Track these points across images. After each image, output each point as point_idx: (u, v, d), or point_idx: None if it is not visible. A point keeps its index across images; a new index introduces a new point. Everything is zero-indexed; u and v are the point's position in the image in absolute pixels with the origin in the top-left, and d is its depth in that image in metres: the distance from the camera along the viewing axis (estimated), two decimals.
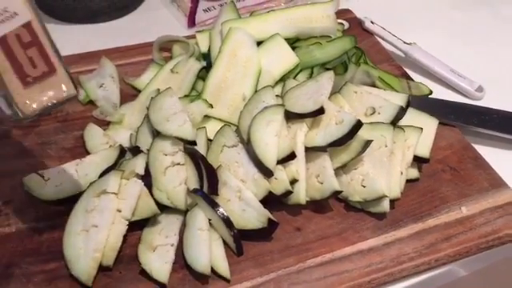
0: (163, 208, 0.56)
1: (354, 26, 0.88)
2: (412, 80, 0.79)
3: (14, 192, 0.58)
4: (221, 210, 0.55)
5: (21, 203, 0.58)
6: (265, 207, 0.57)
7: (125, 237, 0.54)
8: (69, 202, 0.56)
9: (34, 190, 0.57)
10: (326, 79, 0.64)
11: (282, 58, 0.70)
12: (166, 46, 0.79)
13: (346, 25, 0.87)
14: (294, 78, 0.71)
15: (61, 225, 0.55)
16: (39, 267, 0.53)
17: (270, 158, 0.58)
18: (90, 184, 0.56)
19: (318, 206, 0.60)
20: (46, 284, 0.51)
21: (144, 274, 0.52)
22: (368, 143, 0.59)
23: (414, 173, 0.64)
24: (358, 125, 0.58)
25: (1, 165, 0.61)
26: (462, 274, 0.59)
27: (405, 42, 0.85)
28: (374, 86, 0.73)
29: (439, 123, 0.68)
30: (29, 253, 0.54)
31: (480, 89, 0.80)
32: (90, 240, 0.52)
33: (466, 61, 0.84)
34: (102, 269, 0.52)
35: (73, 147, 0.64)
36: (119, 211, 0.54)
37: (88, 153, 0.63)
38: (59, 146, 0.64)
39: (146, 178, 0.57)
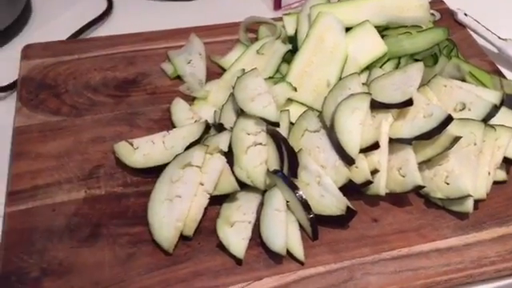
0: (243, 186, 0.58)
1: (446, 18, 0.85)
2: (505, 77, 0.75)
3: (105, 157, 0.62)
4: (300, 192, 0.55)
5: (111, 168, 0.61)
6: (342, 195, 0.57)
7: (205, 210, 0.56)
8: (155, 171, 0.58)
9: (123, 157, 0.60)
10: (416, 70, 0.62)
11: (370, 46, 0.69)
12: (252, 27, 0.80)
13: (438, 15, 0.84)
14: (381, 67, 0.69)
15: (147, 192, 0.57)
16: (125, 230, 0.56)
17: (352, 145, 0.57)
18: (176, 156, 0.58)
19: (396, 198, 0.59)
20: (130, 246, 0.54)
21: (221, 247, 0.54)
22: (457, 139, 0.57)
23: (501, 174, 0.61)
24: (449, 119, 0.56)
25: (94, 131, 0.65)
26: None
27: (499, 38, 0.81)
28: (463, 80, 0.70)
29: None
30: (116, 215, 0.57)
31: None
32: (173, 209, 0.55)
33: None
34: (183, 238, 0.55)
35: (160, 119, 0.67)
36: (202, 184, 0.56)
37: (173, 125, 0.65)
38: (147, 116, 0.67)
39: (229, 156, 0.58)
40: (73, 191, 0.58)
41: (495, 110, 0.60)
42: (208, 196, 0.56)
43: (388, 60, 0.70)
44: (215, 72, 0.73)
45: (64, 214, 0.56)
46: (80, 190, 0.59)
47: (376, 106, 0.60)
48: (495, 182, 0.61)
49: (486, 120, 0.60)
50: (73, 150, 0.63)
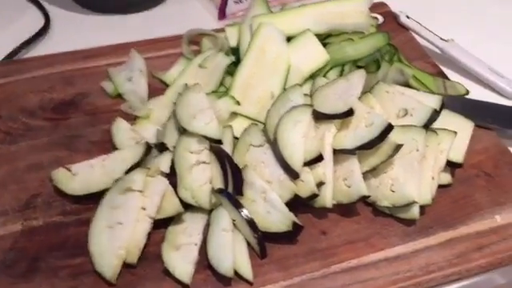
0: (188, 207, 0.56)
1: (389, 21, 0.85)
2: (448, 79, 0.76)
3: (43, 185, 0.59)
4: (245, 211, 0.54)
5: (49, 197, 0.58)
6: (290, 209, 0.56)
7: (149, 235, 0.54)
8: (96, 197, 0.56)
9: (61, 185, 0.58)
10: (357, 78, 0.62)
11: (312, 55, 0.69)
12: (195, 39, 0.78)
13: (381, 19, 0.85)
14: (324, 75, 0.69)
15: (87, 220, 0.55)
16: (65, 262, 0.53)
17: (296, 159, 0.56)
18: (116, 181, 0.56)
19: (344, 209, 0.59)
20: (71, 279, 0.52)
21: (167, 272, 0.52)
22: (399, 147, 0.57)
23: (446, 178, 0.62)
24: (389, 128, 0.56)
25: (30, 157, 0.62)
26: (499, 282, 0.57)
27: (441, 39, 0.82)
28: (407, 84, 0.71)
29: (475, 125, 0.65)
30: (55, 247, 0.54)
31: None
32: (114, 237, 0.53)
33: (506, 59, 0.80)
34: (126, 266, 0.53)
35: (100, 141, 0.64)
36: (144, 209, 0.54)
37: (115, 147, 0.63)
38: (87, 139, 0.65)
39: (172, 176, 0.57)
40: (8, 224, 0.56)
41: (436, 114, 0.61)
42: (151, 221, 0.54)
43: (332, 68, 0.70)
44: (159, 88, 0.71)
45: (0, 249, 0.54)
46: (16, 222, 0.56)
47: (319, 117, 0.60)
48: (441, 186, 0.61)
49: (427, 125, 0.60)
50: (8, 179, 0.60)
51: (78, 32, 0.84)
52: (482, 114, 0.69)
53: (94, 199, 0.56)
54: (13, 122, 0.66)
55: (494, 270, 0.56)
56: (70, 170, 0.59)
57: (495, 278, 0.56)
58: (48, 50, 0.79)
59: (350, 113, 0.57)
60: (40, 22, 0.85)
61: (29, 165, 0.61)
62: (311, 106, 0.60)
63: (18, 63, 0.76)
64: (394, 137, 0.57)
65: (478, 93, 0.75)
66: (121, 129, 0.64)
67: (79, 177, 0.58)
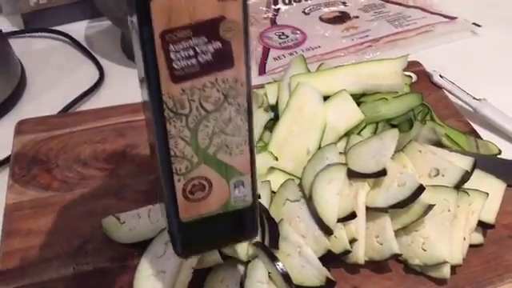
0: (225, 257, 0.59)
1: (422, 79, 0.88)
2: (480, 138, 0.78)
3: (93, 232, 0.64)
4: (280, 264, 0.57)
5: (98, 243, 0.63)
6: (323, 263, 0.58)
7: (189, 283, 0.57)
8: (141, 244, 0.60)
9: (110, 232, 0.62)
10: (390, 138, 0.65)
11: (348, 114, 0.72)
12: None
13: (414, 77, 0.88)
14: (359, 133, 0.72)
15: (133, 266, 0.59)
16: None
17: (330, 216, 0.59)
18: (161, 230, 0.60)
19: (376, 265, 0.61)
20: None
21: None
22: (430, 207, 0.59)
23: (477, 238, 0.63)
24: (421, 189, 0.58)
25: (83, 205, 0.67)
26: None
27: (474, 98, 0.84)
28: (440, 142, 0.73)
29: (507, 186, 0.66)
30: None
31: None
32: (157, 285, 0.56)
33: None
34: None
35: (147, 191, 0.69)
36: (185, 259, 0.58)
37: None
38: (135, 188, 0.69)
39: None
40: (61, 268, 0.60)
41: (467, 175, 0.62)
42: (192, 270, 0.58)
43: (366, 126, 0.73)
44: None
45: None
46: (68, 266, 0.60)
47: (353, 175, 0.63)
48: (472, 246, 0.62)
49: (459, 186, 0.62)
50: (62, 225, 0.65)
51: (130, 85, 0.91)
52: None
53: (139, 246, 0.61)
54: (68, 171, 0.71)
55: None
56: (118, 219, 0.63)
57: None
58: (102, 102, 0.86)
59: (382, 173, 0.60)
60: (95, 75, 0.92)
61: (81, 212, 0.66)
62: (346, 164, 0.63)
63: (74, 116, 0.82)
64: (426, 197, 0.59)
65: (510, 152, 0.77)
66: None
67: (127, 225, 0.63)
